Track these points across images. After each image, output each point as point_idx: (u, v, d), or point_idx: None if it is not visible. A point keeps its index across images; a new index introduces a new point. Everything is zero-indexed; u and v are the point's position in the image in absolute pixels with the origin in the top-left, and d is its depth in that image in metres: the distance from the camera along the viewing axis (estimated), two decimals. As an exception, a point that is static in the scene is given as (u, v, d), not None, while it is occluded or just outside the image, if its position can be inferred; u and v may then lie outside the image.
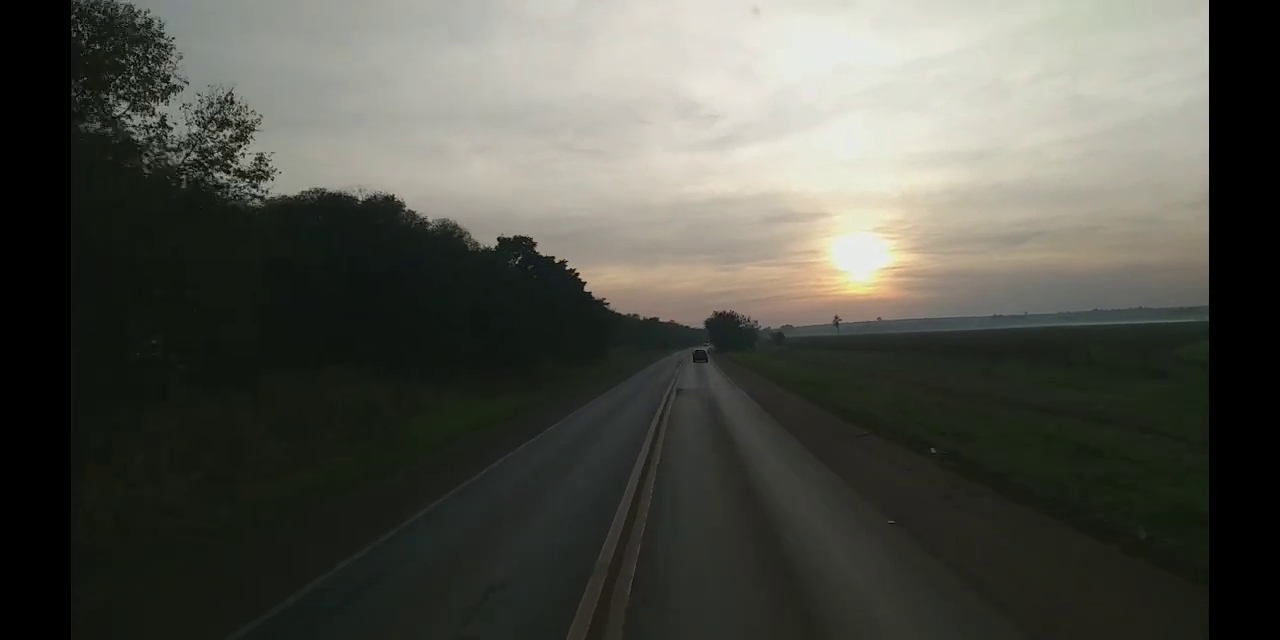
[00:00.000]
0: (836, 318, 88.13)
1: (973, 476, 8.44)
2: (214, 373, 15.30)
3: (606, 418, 17.63)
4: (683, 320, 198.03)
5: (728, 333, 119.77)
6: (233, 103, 12.78)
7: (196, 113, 12.34)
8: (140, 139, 11.82)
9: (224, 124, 12.79)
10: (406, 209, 26.75)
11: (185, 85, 11.92)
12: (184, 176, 12.64)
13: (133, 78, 11.30)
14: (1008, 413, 14.77)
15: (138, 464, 9.14)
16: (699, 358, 61.16)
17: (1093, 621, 4.38)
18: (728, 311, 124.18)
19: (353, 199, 25.07)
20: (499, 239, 37.35)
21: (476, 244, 33.76)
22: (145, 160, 12.02)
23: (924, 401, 17.66)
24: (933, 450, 10.15)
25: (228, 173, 13.08)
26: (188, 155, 12.49)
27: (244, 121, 12.87)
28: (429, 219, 27.46)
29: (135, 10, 11.20)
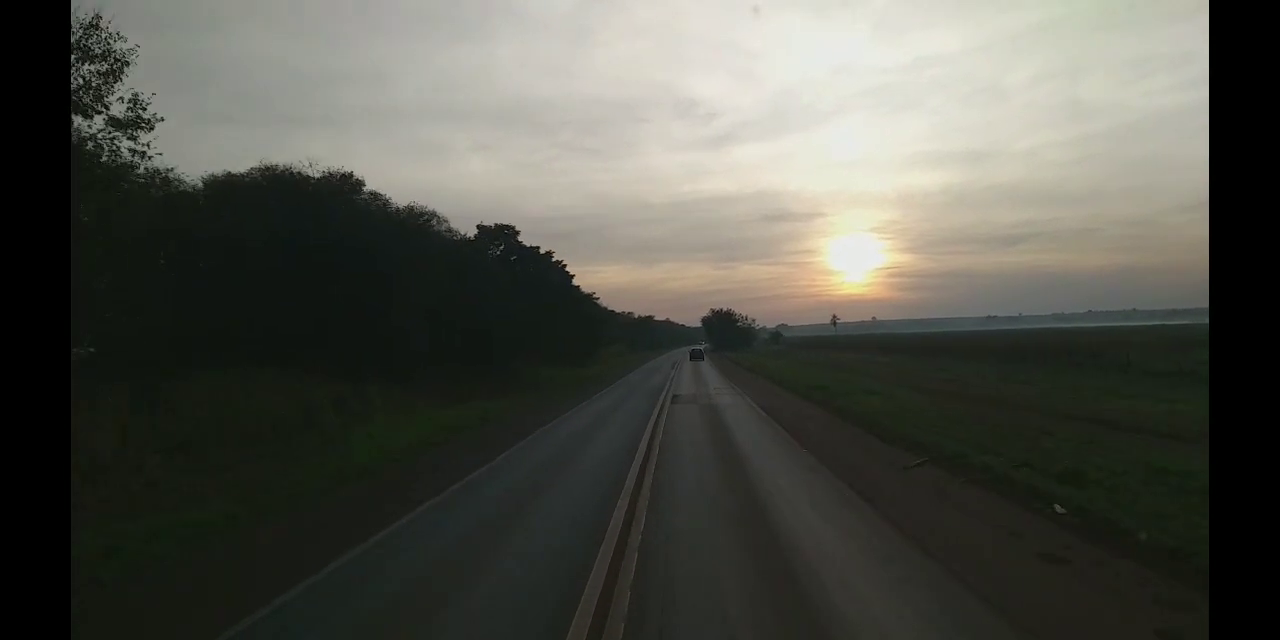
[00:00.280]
0: (834, 317, 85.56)
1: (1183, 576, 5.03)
2: (102, 371, 12.48)
3: (579, 441, 13.09)
4: (678, 319, 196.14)
5: (725, 331, 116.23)
6: (99, 29, 9.95)
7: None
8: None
9: (89, 56, 9.96)
10: (368, 189, 23.91)
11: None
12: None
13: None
14: (1072, 430, 12.07)
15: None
16: (695, 356, 65.43)
17: None
18: (725, 309, 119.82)
19: (305, 176, 22.17)
20: (478, 226, 34.34)
21: (455, 232, 30.91)
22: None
23: (960, 413, 14.96)
24: (1058, 508, 6.87)
25: (95, 119, 10.23)
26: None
27: (113, 52, 10.04)
28: (393, 200, 24.54)
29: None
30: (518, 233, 35.68)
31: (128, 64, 10.03)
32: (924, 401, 18.09)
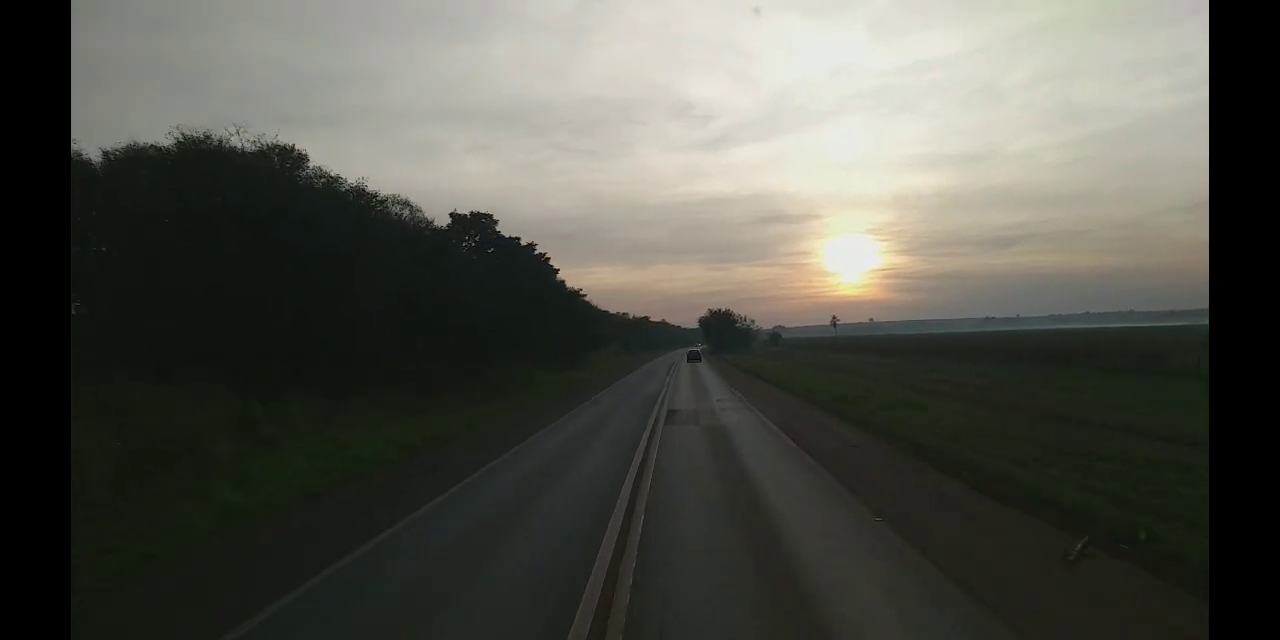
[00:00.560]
0: (834, 318, 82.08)
1: None
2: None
3: (546, 482, 9.69)
4: (674, 320, 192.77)
5: (723, 333, 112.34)
6: None
7: None
8: None
9: None
10: (313, 165, 20.40)
11: None
12: None
13: None
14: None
15: None
16: (693, 358, 66.26)
17: None
18: (723, 310, 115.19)
19: (236, 150, 18.64)
20: (451, 214, 30.72)
21: (426, 220, 27.42)
22: None
23: (1043, 436, 11.53)
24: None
25: None
26: None
27: None
28: (346, 179, 20.99)
29: None
30: (496, 222, 32.07)
31: None
32: (979, 416, 14.73)
